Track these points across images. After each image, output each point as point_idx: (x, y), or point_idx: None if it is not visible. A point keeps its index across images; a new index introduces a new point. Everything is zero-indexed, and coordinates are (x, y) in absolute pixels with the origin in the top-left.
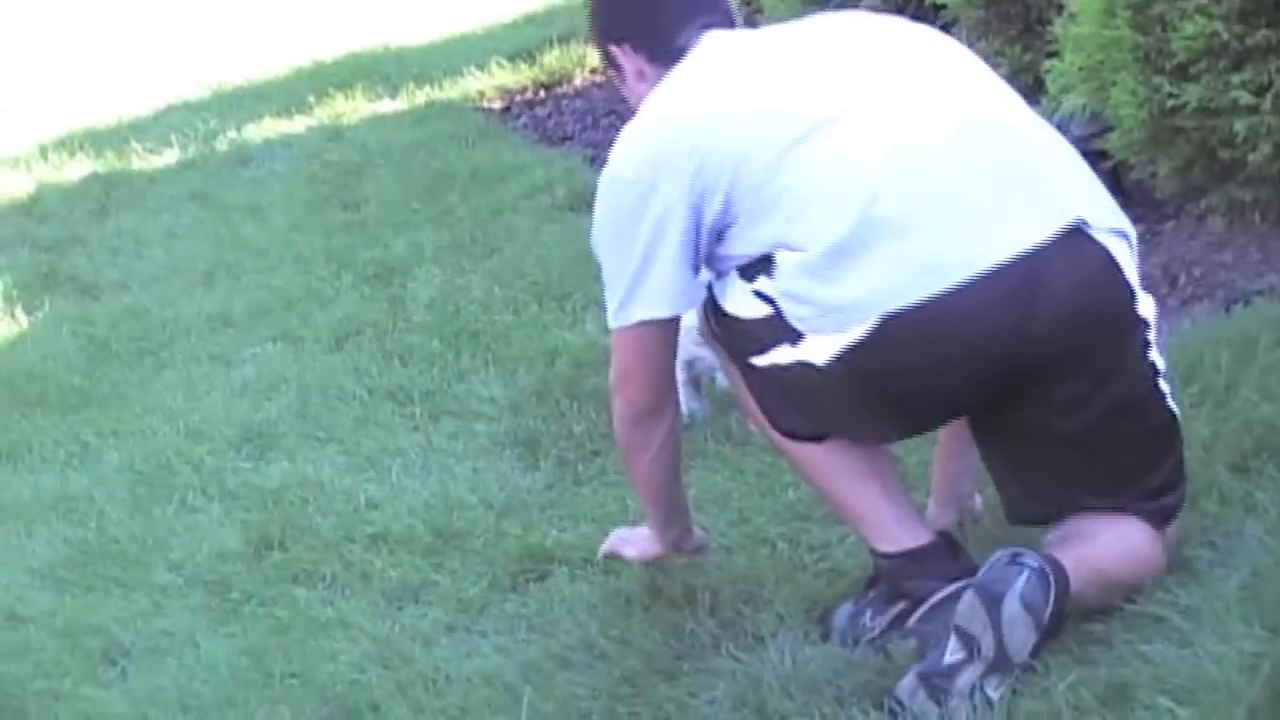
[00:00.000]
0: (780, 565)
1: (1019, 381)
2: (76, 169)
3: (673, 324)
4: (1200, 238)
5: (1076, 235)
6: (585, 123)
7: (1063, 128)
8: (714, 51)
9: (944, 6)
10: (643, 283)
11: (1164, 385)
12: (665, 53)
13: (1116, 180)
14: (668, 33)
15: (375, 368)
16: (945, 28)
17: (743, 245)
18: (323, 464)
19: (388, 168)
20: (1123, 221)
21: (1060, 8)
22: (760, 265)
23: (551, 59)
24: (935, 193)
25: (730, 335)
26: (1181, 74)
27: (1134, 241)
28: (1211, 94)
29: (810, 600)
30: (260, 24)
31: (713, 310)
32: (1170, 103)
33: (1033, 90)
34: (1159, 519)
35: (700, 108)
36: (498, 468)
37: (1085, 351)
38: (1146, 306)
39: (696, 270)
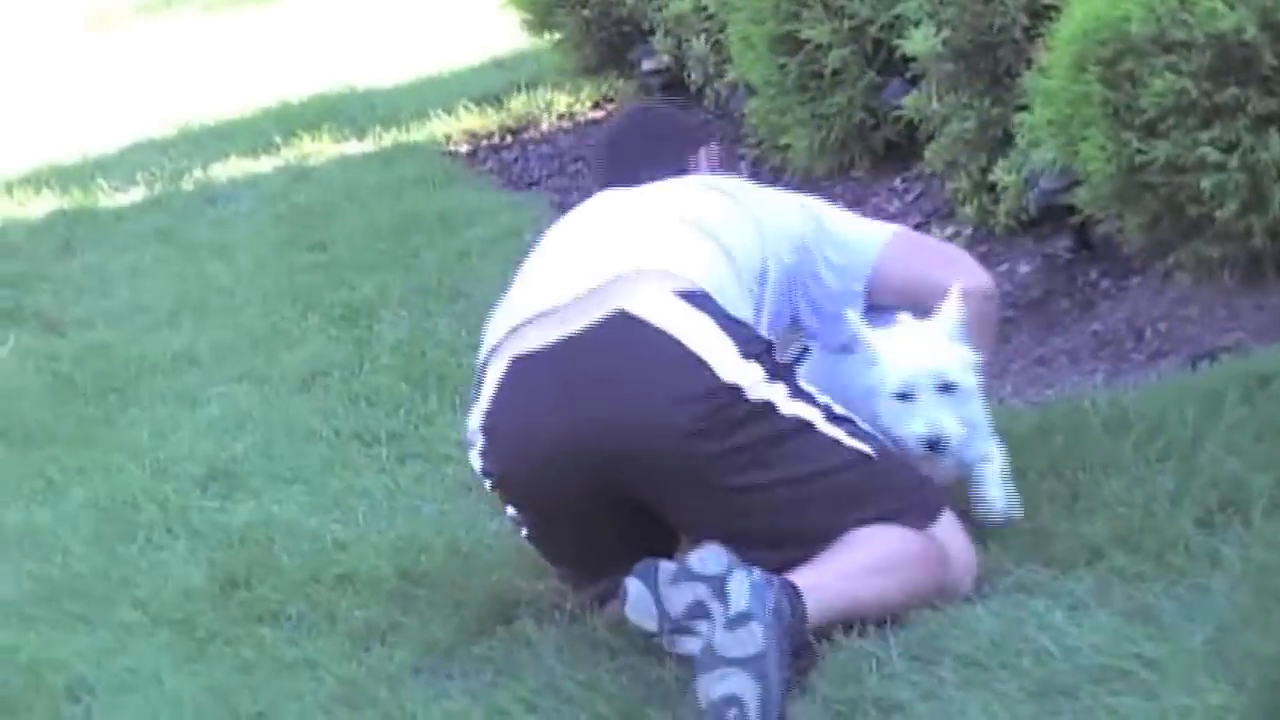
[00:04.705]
0: None
1: (637, 481)
2: (41, 205)
3: None
4: (1167, 293)
5: (620, 324)
6: (552, 168)
7: (1031, 181)
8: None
9: (913, 59)
10: None
11: (829, 430)
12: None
13: (1084, 235)
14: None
15: (342, 409)
16: (914, 80)
17: None
18: (289, 504)
19: (354, 209)
20: (702, 280)
21: (1030, 61)
22: None
23: (518, 103)
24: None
25: None
26: (1150, 130)
27: (707, 298)
28: (1180, 151)
29: None
30: (227, 64)
31: None
32: (1139, 159)
33: (1001, 144)
34: (904, 521)
35: None
36: (465, 511)
37: (667, 433)
38: (743, 373)
39: None
